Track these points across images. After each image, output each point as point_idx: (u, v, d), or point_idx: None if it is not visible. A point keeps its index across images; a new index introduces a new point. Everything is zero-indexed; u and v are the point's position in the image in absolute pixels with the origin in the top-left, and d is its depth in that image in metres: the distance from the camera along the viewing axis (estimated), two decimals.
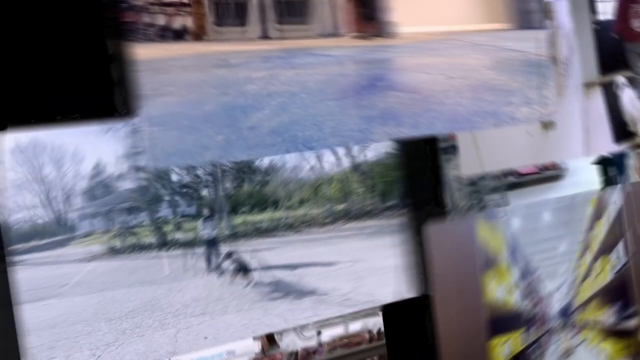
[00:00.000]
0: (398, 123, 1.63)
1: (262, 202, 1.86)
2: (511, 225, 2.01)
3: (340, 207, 2.04)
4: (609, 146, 2.06)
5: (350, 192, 2.05)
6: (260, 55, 1.49)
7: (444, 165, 1.82)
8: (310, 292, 1.88)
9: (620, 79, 2.06)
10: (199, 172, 1.74)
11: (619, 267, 2.35)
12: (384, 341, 2.03)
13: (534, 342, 2.23)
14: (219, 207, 1.78)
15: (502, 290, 2.10)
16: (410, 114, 1.64)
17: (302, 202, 1.94)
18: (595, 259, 2.40)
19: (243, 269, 1.76)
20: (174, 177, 1.70)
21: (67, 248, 1.56)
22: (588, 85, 2.05)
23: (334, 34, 1.61)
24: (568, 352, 2.28)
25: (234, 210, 1.80)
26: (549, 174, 2.18)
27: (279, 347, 1.89)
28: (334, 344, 1.99)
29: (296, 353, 1.91)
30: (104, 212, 1.63)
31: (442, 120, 1.68)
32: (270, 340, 1.89)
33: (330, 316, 1.91)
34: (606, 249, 2.38)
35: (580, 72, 2.02)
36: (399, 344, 2.05)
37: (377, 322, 2.05)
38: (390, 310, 2.02)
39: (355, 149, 2.02)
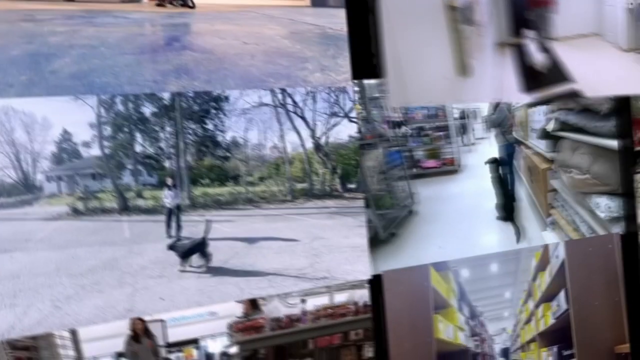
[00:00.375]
0: (192, 77, 1.81)
1: (222, 176, 1.97)
2: (461, 274, 2.25)
3: (301, 185, 2.14)
4: (518, 95, 2.27)
5: (312, 172, 2.15)
6: (64, 14, 1.71)
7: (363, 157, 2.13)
8: (267, 265, 1.98)
9: (530, 33, 2.30)
10: (162, 144, 1.87)
11: (559, 313, 2.46)
12: (369, 315, 2.09)
13: None
14: (180, 178, 1.90)
15: (451, 330, 2.28)
16: (204, 71, 1.83)
17: (262, 179, 2.05)
18: (538, 305, 2.56)
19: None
20: (138, 148, 1.83)
21: (33, 207, 1.70)
22: (501, 45, 2.29)
23: (135, 0, 1.83)
24: None
25: (195, 182, 1.92)
26: (448, 169, 2.40)
27: (261, 312, 1.97)
28: (318, 314, 2.06)
29: (279, 319, 2.00)
30: (70, 175, 1.77)
31: (234, 78, 1.86)
32: (253, 304, 1.96)
33: (292, 288, 2.00)
34: (548, 297, 2.52)
35: (495, 34, 2.29)
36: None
37: (363, 295, 2.10)
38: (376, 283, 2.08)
39: (320, 128, 2.14)
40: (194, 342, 1.85)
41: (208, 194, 1.94)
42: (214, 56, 1.87)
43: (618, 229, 2.55)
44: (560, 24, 2.34)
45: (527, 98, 2.33)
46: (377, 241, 2.14)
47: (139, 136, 1.82)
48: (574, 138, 2.55)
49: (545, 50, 2.30)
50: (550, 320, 2.49)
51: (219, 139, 1.95)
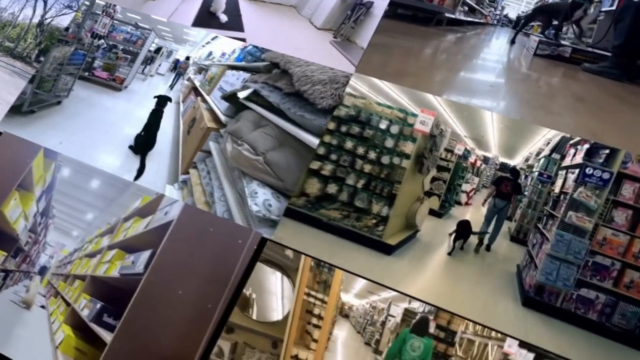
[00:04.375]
0: None
1: None
2: (62, 170, 2.11)
3: (8, 44, 2.49)
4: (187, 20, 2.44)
5: (23, 38, 2.49)
6: None
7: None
8: None
9: None
10: None
11: (130, 272, 1.86)
12: None
13: (7, 271, 2.05)
14: None
15: (17, 212, 2.10)
16: None
17: None
18: (112, 247, 2.04)
19: None
20: None
21: None
22: None
23: None
24: (26, 304, 1.95)
25: None
26: (113, 85, 2.51)
27: None
28: None
29: None
30: None
31: None
32: None
33: None
34: (129, 247, 1.99)
35: None
36: None
37: None
38: None
39: (52, 13, 2.50)
40: None
41: None
42: None
43: (263, 232, 1.84)
44: None
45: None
46: (18, 111, 2.28)
47: None
48: (265, 115, 2.11)
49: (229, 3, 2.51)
50: (114, 272, 1.88)
51: None
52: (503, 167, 2.08)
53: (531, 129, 1.94)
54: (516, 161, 2.06)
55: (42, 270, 2.00)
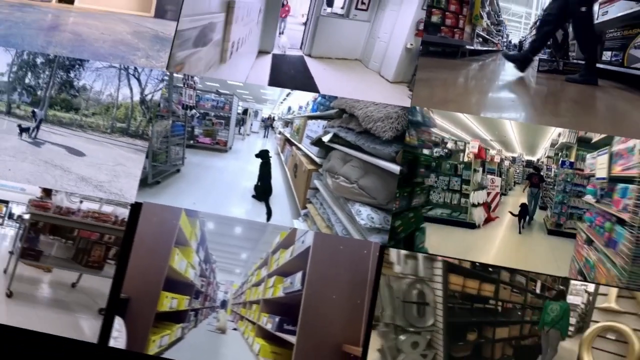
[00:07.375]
0: (62, 47, 3.03)
1: (69, 106, 2.97)
2: (207, 224, 2.71)
3: (120, 125, 2.96)
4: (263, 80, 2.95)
5: (132, 117, 2.96)
6: (7, 2, 3.09)
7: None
8: (79, 170, 2.84)
9: (285, 42, 3.05)
10: (40, 80, 2.99)
11: (291, 290, 2.54)
12: (123, 228, 2.74)
13: (195, 309, 2.74)
14: (44, 102, 2.97)
15: (184, 264, 2.71)
16: (70, 45, 3.03)
17: (94, 114, 2.96)
18: (271, 275, 2.72)
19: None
20: (27, 80, 2.99)
21: None
22: (262, 52, 3.12)
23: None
24: (221, 330, 2.64)
25: (51, 107, 2.97)
26: (218, 147, 3.10)
27: (50, 198, 2.86)
28: (88, 214, 2.84)
29: (61, 208, 2.85)
30: None
31: (88, 52, 3.01)
32: (47, 192, 2.90)
33: (91, 194, 2.82)
34: (284, 272, 2.66)
35: (259, 43, 3.13)
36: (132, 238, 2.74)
37: (124, 213, 2.79)
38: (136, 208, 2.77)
39: (149, 89, 2.97)
40: (5, 202, 2.83)
41: (56, 115, 2.97)
42: (80, 37, 3.06)
43: (376, 239, 2.55)
44: (325, 47, 3.06)
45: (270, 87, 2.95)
46: (145, 183, 2.83)
47: (29, 73, 2.99)
48: (348, 152, 2.76)
49: (300, 61, 3.01)
50: (280, 293, 2.58)
51: (74, 83, 2.99)
52: (528, 164, 2.84)
53: (543, 129, 2.71)
54: (538, 155, 2.84)
55: (223, 304, 2.64)
